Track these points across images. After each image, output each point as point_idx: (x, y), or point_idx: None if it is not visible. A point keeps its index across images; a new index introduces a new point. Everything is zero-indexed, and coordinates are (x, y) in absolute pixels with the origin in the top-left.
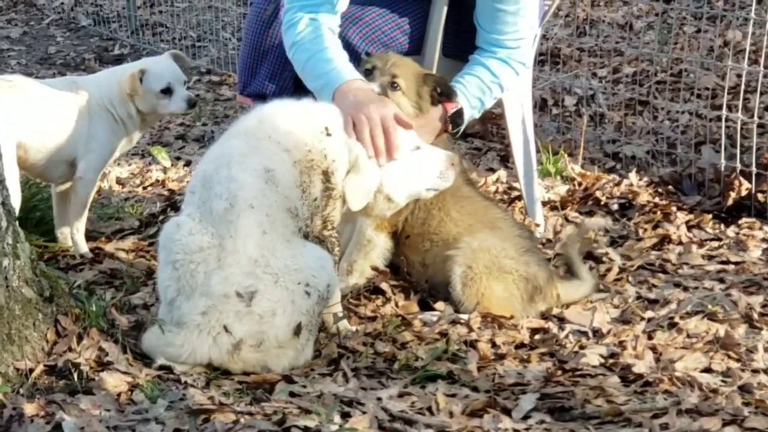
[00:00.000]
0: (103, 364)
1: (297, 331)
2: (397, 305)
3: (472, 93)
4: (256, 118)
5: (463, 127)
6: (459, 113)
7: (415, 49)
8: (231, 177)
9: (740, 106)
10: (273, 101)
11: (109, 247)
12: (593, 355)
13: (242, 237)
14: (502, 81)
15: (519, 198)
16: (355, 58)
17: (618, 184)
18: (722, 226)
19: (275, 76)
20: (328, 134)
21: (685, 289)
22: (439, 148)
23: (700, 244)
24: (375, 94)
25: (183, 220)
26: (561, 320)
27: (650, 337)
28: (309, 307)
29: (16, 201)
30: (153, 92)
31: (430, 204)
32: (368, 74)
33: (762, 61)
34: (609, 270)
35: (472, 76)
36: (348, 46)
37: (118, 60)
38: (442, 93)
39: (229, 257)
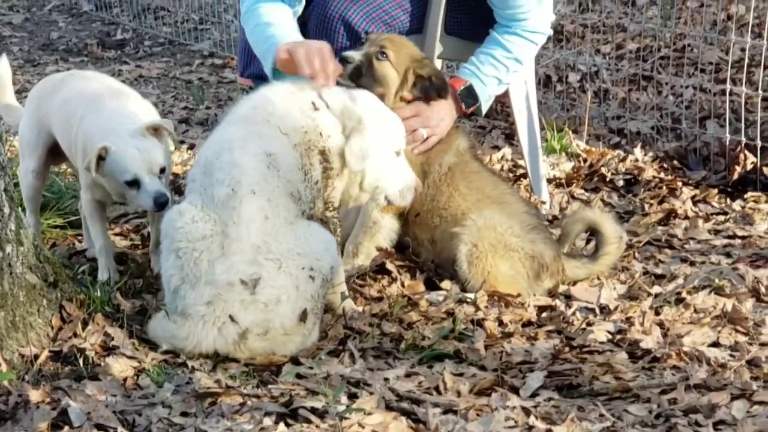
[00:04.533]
0: (108, 349)
1: (303, 317)
2: (403, 285)
3: (485, 72)
4: (250, 104)
5: (485, 106)
6: (470, 91)
7: (417, 27)
8: (233, 162)
9: (744, 80)
10: (263, 86)
11: (113, 232)
12: (601, 332)
13: (245, 223)
14: (518, 55)
15: (524, 175)
16: (356, 37)
17: (623, 160)
18: (728, 200)
19: None
20: (316, 108)
21: (692, 263)
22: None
23: (707, 219)
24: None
25: (185, 207)
26: (568, 297)
27: (657, 313)
28: (314, 292)
29: None
30: (117, 181)
31: (439, 180)
32: (361, 45)
33: (765, 34)
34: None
35: (486, 54)
36: (348, 25)
37: (121, 44)
38: (434, 86)
39: (233, 245)
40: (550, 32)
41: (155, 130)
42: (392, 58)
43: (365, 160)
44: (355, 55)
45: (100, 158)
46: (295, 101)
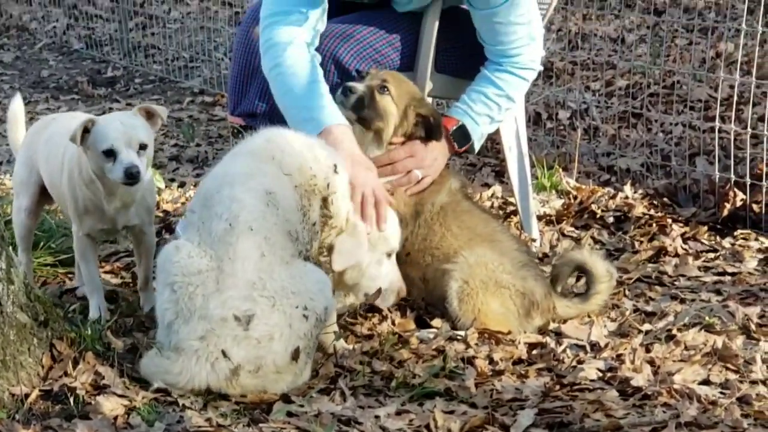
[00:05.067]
0: (99, 388)
1: (295, 355)
2: (393, 323)
3: (477, 111)
4: (264, 137)
5: (477, 145)
6: (462, 131)
7: (407, 65)
8: (233, 197)
9: (733, 117)
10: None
11: (104, 270)
12: (591, 369)
13: (241, 260)
14: (510, 92)
15: (514, 213)
16: (346, 75)
17: (613, 197)
18: (718, 237)
19: (265, 95)
20: (336, 171)
21: (682, 301)
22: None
23: (696, 256)
24: (364, 154)
25: (182, 243)
26: (558, 335)
27: (648, 350)
28: (307, 331)
29: None
30: (97, 152)
31: (431, 220)
32: (360, 79)
33: (754, 71)
34: None
35: (477, 92)
36: (338, 63)
37: (111, 82)
38: (431, 127)
39: (227, 280)
40: (541, 68)
41: (149, 116)
42: (393, 93)
43: (348, 264)
44: (359, 87)
45: (86, 131)
46: (315, 150)
